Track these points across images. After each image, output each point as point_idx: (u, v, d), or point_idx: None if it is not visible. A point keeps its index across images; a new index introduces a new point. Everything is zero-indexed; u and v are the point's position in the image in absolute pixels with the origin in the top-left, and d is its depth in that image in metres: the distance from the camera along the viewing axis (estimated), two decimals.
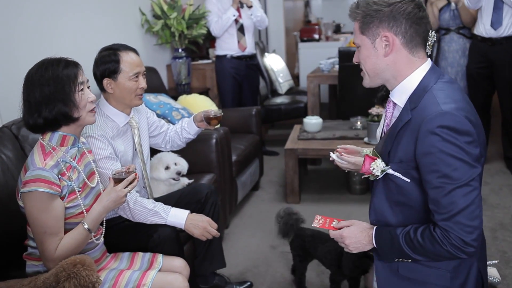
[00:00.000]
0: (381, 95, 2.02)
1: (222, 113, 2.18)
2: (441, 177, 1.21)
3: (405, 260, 1.34)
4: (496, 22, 3.47)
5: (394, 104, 1.40)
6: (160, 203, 1.96)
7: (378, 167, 1.34)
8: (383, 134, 1.44)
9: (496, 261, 2.34)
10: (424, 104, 1.27)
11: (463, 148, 1.20)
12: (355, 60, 1.42)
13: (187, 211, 1.97)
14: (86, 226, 1.58)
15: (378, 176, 1.35)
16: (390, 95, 1.41)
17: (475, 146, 1.22)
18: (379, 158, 1.36)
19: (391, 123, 1.40)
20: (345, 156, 1.84)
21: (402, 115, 1.32)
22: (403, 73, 1.33)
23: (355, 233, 1.42)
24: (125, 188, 1.62)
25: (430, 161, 1.22)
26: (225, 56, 4.05)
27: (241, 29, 4.04)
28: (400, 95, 1.36)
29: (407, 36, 1.30)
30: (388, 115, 1.43)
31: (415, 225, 1.32)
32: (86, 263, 1.44)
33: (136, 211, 1.90)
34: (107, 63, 1.93)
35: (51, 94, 1.52)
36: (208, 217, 2.01)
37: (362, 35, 1.34)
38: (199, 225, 1.95)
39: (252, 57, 4.18)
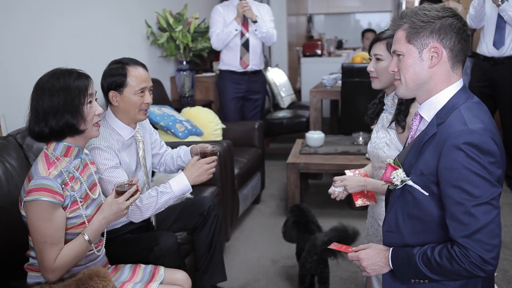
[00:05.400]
0: (372, 112, 2.00)
1: (218, 150, 2.16)
2: (463, 193, 1.21)
3: (421, 281, 1.33)
4: (498, 42, 3.51)
5: (421, 117, 1.41)
6: (161, 185, 1.95)
7: (398, 176, 1.34)
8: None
9: (495, 274, 2.34)
10: (451, 121, 1.27)
11: (486, 167, 1.21)
12: (392, 69, 1.40)
13: (181, 173, 1.97)
14: (86, 237, 1.57)
15: (397, 185, 1.35)
16: (418, 109, 1.41)
17: (497, 167, 1.23)
18: (401, 167, 1.36)
19: (415, 136, 1.41)
20: (337, 183, 1.88)
21: (428, 129, 1.33)
22: (438, 87, 1.34)
23: (372, 254, 1.41)
24: (126, 200, 1.61)
25: (453, 176, 1.23)
26: (226, 71, 3.88)
27: (245, 45, 3.81)
28: (428, 110, 1.36)
29: (454, 51, 1.31)
30: (414, 128, 1.44)
31: (432, 244, 1.31)
32: (101, 274, 1.45)
33: (147, 205, 1.89)
34: (114, 76, 1.94)
35: (60, 105, 1.53)
36: (197, 159, 1.99)
37: (408, 43, 1.33)
38: (201, 172, 1.96)
39: (256, 73, 3.94)
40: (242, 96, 3.93)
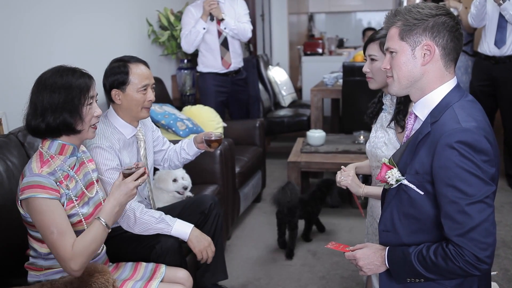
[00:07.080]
0: (371, 111, 2.01)
1: (222, 136, 2.17)
2: (457, 192, 1.22)
3: (417, 280, 1.33)
4: (500, 41, 3.51)
5: (415, 116, 1.41)
6: (168, 215, 1.97)
7: (393, 176, 1.34)
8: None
9: (495, 272, 2.34)
10: (445, 119, 1.28)
11: (479, 166, 1.21)
12: (384, 66, 1.41)
13: (192, 225, 1.98)
14: (103, 221, 1.54)
15: (392, 185, 1.36)
16: (412, 108, 1.42)
17: (491, 165, 1.23)
18: (395, 167, 1.36)
19: (411, 135, 1.41)
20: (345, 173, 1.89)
21: (422, 128, 1.33)
22: (432, 86, 1.34)
23: (368, 254, 1.41)
24: (135, 180, 1.59)
25: (446, 175, 1.23)
26: (208, 73, 3.68)
27: (224, 44, 3.60)
28: (422, 109, 1.37)
29: (447, 49, 1.32)
30: (409, 127, 1.44)
31: (427, 243, 1.31)
32: (99, 269, 1.46)
33: (143, 220, 1.90)
34: (117, 74, 1.94)
35: (59, 103, 1.52)
36: (210, 239, 2.02)
37: (401, 41, 1.34)
38: (202, 241, 1.97)
39: (238, 72, 3.78)
40: (226, 99, 3.77)
